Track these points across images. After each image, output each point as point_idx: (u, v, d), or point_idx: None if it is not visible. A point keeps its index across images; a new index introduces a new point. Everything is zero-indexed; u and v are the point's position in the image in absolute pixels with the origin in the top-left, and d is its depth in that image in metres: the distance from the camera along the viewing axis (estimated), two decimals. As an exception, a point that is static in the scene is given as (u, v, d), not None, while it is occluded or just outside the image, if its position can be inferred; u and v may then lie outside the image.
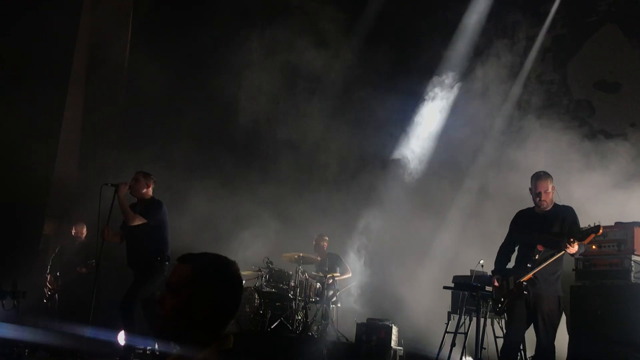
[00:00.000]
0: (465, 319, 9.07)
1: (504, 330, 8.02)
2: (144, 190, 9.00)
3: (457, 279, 9.12)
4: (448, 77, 14.29)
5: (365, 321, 11.17)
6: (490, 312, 7.97)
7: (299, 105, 15.07)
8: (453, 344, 8.83)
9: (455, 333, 8.96)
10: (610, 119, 11.65)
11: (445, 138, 13.67)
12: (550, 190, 7.19)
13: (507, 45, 14.06)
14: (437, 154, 13.56)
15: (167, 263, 8.93)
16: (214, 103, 14.45)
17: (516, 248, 7.56)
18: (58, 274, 12.21)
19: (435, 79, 14.48)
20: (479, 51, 14.53)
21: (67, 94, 13.28)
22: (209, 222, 13.13)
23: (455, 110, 13.97)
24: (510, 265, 7.58)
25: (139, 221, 8.75)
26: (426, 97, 14.28)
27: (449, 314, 9.60)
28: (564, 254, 6.94)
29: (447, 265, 9.04)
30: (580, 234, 6.88)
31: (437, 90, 14.27)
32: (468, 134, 13.41)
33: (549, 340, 6.96)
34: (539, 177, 7.25)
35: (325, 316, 11.48)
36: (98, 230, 8.80)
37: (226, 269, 2.93)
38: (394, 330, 10.87)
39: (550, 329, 6.99)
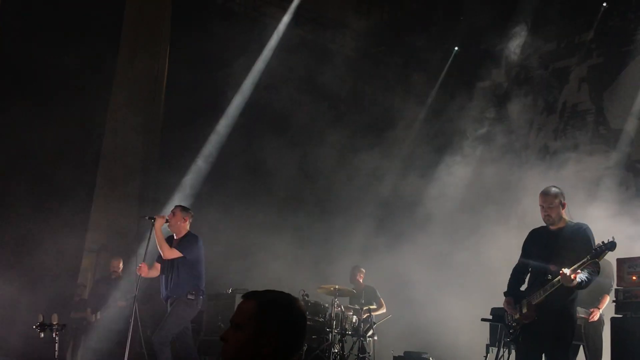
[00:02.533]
0: (504, 352, 8.94)
1: None
2: (181, 224, 9.03)
3: (495, 311, 9.00)
4: (482, 109, 14.32)
5: (402, 354, 11.07)
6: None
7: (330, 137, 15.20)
8: (492, 378, 8.72)
9: (494, 366, 8.86)
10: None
11: (479, 171, 13.61)
12: (556, 204, 6.88)
13: (543, 75, 14.04)
14: (471, 187, 13.48)
15: (201, 297, 8.95)
16: (244, 135, 14.58)
17: (529, 269, 7.26)
18: (95, 308, 12.30)
19: (470, 112, 14.55)
20: (515, 82, 14.54)
21: (105, 125, 13.50)
22: (241, 254, 13.19)
23: (489, 142, 13.93)
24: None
25: (175, 255, 8.78)
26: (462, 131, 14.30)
27: (488, 346, 9.47)
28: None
29: (485, 298, 8.93)
30: (594, 252, 6.63)
31: (472, 122, 14.30)
32: (502, 166, 13.35)
33: None
34: (545, 191, 7.00)
35: (361, 349, 11.39)
36: (136, 264, 8.83)
37: (290, 306, 2.96)
38: (432, 363, 10.79)
39: (565, 354, 6.76)
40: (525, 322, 6.88)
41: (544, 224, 7.11)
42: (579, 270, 6.43)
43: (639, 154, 11.61)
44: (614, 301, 8.11)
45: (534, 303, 6.76)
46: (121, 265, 12.84)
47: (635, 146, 12.03)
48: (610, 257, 8.56)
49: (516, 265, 7.37)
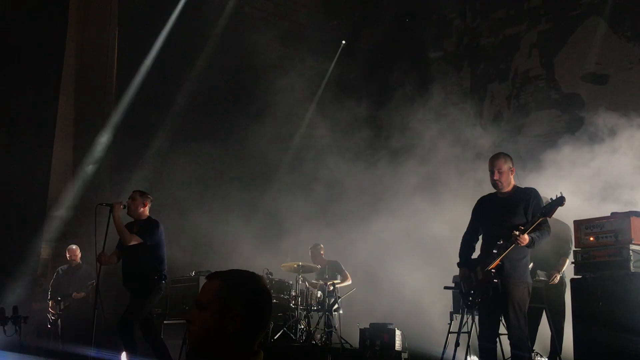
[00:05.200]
0: (467, 318, 9.04)
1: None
2: (141, 209, 8.95)
3: (457, 279, 9.09)
4: (434, 80, 14.41)
5: (368, 326, 11.16)
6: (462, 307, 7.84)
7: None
8: (457, 344, 8.79)
9: (459, 333, 8.93)
10: (601, 111, 11.65)
11: (434, 140, 13.65)
12: (505, 170, 7.01)
13: (492, 43, 14.13)
14: (425, 156, 13.52)
15: (164, 282, 8.90)
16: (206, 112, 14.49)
17: (480, 236, 7.41)
18: (59, 298, 12.16)
19: (424, 80, 14.61)
20: (465, 50, 14.62)
21: (57, 117, 13.31)
22: (204, 238, 13.13)
23: (442, 111, 14.01)
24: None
25: (135, 241, 8.70)
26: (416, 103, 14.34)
27: (451, 314, 9.58)
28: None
29: (446, 266, 9.01)
30: (544, 209, 6.75)
31: (425, 93, 14.36)
32: (457, 134, 13.44)
33: (521, 328, 6.84)
34: (494, 156, 7.15)
35: (328, 324, 11.46)
36: (95, 252, 8.74)
37: (254, 283, 2.95)
38: (398, 333, 10.87)
39: (522, 316, 6.86)
40: (482, 287, 6.99)
41: (493, 191, 7.24)
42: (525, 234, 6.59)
43: (592, 117, 11.75)
44: (572, 263, 8.25)
45: (489, 268, 6.87)
46: (78, 252, 12.69)
47: (588, 110, 12.18)
48: (568, 220, 8.73)
49: (466, 232, 7.51)
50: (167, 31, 13.99)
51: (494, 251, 6.86)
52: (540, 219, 6.71)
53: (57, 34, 13.02)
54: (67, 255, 12.69)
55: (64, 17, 13.19)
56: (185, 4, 14.25)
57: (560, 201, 6.65)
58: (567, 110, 12.61)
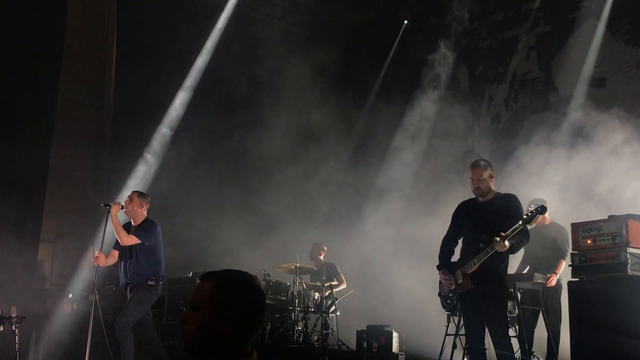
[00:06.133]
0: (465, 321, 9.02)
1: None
2: (139, 210, 8.94)
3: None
4: (433, 82, 14.39)
5: (365, 328, 11.15)
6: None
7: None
8: (454, 346, 8.79)
9: (456, 335, 8.91)
10: (598, 114, 11.65)
11: (433, 142, 13.67)
12: (485, 177, 7.08)
13: (491, 45, 14.13)
14: (424, 159, 13.53)
15: (161, 283, 8.89)
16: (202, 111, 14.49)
17: (459, 240, 7.48)
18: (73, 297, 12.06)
19: (422, 82, 14.60)
20: (463, 52, 14.62)
21: (55, 115, 13.31)
22: (201, 239, 13.11)
23: (441, 113, 14.01)
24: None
25: (133, 242, 8.70)
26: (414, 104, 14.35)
27: (449, 316, 9.56)
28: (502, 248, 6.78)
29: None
30: (526, 218, 6.78)
31: (424, 95, 14.35)
32: (456, 135, 13.43)
33: (503, 332, 6.91)
34: (474, 164, 7.22)
35: (325, 325, 11.45)
36: (93, 253, 8.73)
37: (247, 283, 2.94)
38: (395, 335, 10.86)
39: (502, 319, 6.95)
40: (461, 291, 7.04)
41: (473, 196, 7.28)
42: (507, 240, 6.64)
43: (590, 120, 11.74)
44: (570, 265, 8.25)
45: (468, 272, 6.95)
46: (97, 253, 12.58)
47: (585, 112, 12.18)
48: (565, 223, 8.73)
49: (445, 237, 7.57)
50: (166, 31, 13.97)
51: (475, 256, 6.90)
52: (521, 227, 6.76)
53: (56, 30, 13.03)
54: (89, 255, 12.54)
55: (63, 11, 13.20)
56: (184, 4, 14.26)
57: (541, 210, 6.80)
58: (564, 113, 12.61)
